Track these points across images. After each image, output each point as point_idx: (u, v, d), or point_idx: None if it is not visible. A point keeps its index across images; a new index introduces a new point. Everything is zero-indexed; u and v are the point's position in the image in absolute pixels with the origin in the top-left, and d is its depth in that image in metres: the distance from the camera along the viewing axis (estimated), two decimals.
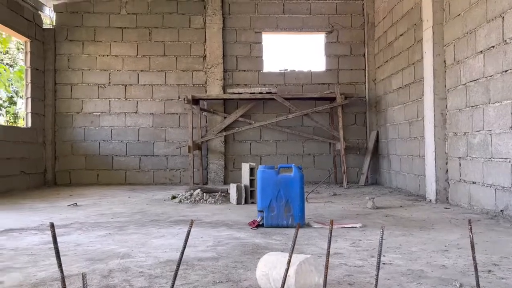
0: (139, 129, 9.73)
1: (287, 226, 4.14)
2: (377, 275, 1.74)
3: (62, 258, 3.08)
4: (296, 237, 1.83)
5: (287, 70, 9.95)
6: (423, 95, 6.59)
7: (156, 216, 5.05)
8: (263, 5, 9.83)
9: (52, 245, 3.48)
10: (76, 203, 6.17)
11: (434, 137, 6.10)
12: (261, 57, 9.87)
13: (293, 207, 4.14)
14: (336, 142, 9.16)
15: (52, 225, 2.02)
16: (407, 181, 7.67)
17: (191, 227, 2.08)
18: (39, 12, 9.35)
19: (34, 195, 7.47)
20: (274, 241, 3.63)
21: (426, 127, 6.38)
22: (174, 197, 6.66)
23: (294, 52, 10.20)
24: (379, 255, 1.70)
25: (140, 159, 9.69)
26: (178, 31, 9.76)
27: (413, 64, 7.24)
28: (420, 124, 6.91)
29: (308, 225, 4.26)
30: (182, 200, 6.40)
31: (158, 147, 9.72)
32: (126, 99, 9.72)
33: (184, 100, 8.84)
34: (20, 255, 3.17)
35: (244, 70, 9.81)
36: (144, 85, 9.74)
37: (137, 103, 9.74)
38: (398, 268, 2.75)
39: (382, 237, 1.70)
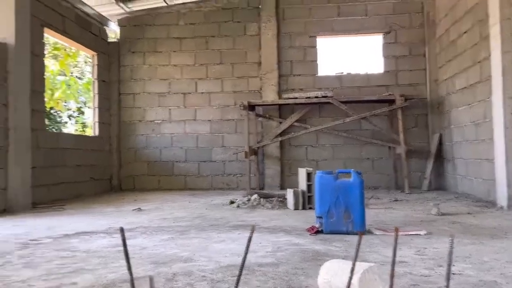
0: (197, 136, 9.99)
1: (347, 233, 4.05)
2: (447, 286, 1.66)
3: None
4: (359, 245, 1.79)
5: (343, 73, 9.79)
6: (491, 95, 6.22)
7: (215, 221, 5.15)
8: (318, 9, 9.77)
9: (120, 248, 3.67)
10: (140, 208, 6.44)
11: (505, 138, 5.73)
12: (316, 61, 9.79)
13: (353, 213, 4.05)
14: (396, 145, 8.86)
15: (122, 230, 2.12)
16: (474, 186, 7.25)
17: (252, 233, 2.09)
18: (105, 27, 9.91)
19: (102, 200, 7.89)
20: (334, 247, 3.57)
21: (495, 128, 6.01)
22: (232, 202, 6.75)
23: (350, 55, 10.02)
24: (449, 264, 1.62)
25: (198, 164, 9.95)
26: (233, 39, 9.94)
27: (479, 62, 6.85)
28: (488, 125, 6.51)
29: (369, 232, 4.15)
30: (240, 205, 6.48)
31: (216, 153, 9.93)
32: (185, 107, 10.03)
33: (240, 106, 8.97)
34: (92, 257, 3.36)
35: (299, 75, 9.78)
36: (202, 93, 10.00)
37: (195, 110, 10.02)
38: (469, 279, 2.61)
39: (451, 246, 1.61)
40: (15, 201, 6.42)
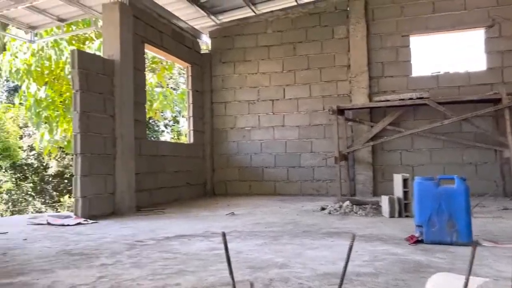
0: (286, 142, 10.05)
1: (451, 243, 3.77)
2: None
3: (225, 265, 3.33)
4: (473, 258, 1.64)
5: (439, 72, 9.20)
6: None
7: (307, 227, 5.11)
8: (410, 6, 9.31)
9: (217, 252, 3.80)
10: (233, 213, 6.63)
11: None
12: (409, 61, 9.32)
13: (458, 222, 3.76)
14: (503, 149, 8.08)
15: (223, 235, 2.19)
16: None
17: (353, 241, 2.03)
18: (197, 40, 10.43)
19: (197, 204, 8.26)
20: (437, 259, 3.34)
21: None
22: (323, 209, 6.66)
23: (446, 53, 9.38)
24: None
25: (287, 170, 9.99)
26: (321, 43, 9.85)
27: None
28: None
29: (477, 243, 3.82)
30: (331, 212, 6.36)
31: (305, 159, 9.89)
32: (273, 113, 10.15)
33: (329, 111, 8.84)
34: (192, 260, 3.52)
35: (391, 76, 9.38)
36: (290, 99, 10.04)
37: (283, 116, 10.09)
38: None
39: None
40: (122, 204, 6.99)
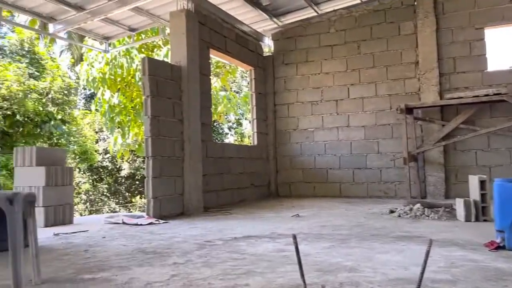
0: (351, 142, 9.83)
1: None
2: None
3: (293, 266, 3.32)
4: None
5: None
6: None
7: (376, 231, 4.96)
8: None
9: (285, 253, 3.80)
10: (298, 214, 6.60)
11: None
12: (484, 55, 8.74)
13: None
14: None
15: (294, 237, 2.20)
16: None
17: (430, 246, 1.95)
18: (260, 42, 10.53)
19: (262, 205, 8.33)
20: None
21: None
22: (392, 211, 6.43)
23: None
24: None
25: (353, 172, 9.77)
26: (387, 41, 9.54)
27: None
28: None
29: None
30: (401, 215, 6.13)
31: (371, 160, 9.61)
32: (337, 114, 9.99)
33: (397, 110, 8.53)
34: (259, 261, 3.55)
35: (464, 72, 8.86)
36: (354, 98, 9.83)
37: (348, 116, 9.89)
38: None
39: None
40: (190, 205, 7.22)
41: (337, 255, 3.69)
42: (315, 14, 10.07)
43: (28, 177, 6.19)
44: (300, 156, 10.31)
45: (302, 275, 1.81)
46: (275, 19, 10.12)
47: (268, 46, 10.98)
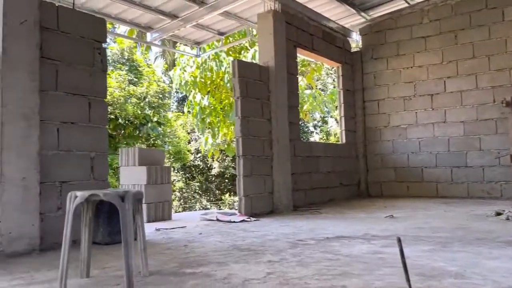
0: (448, 139, 9.21)
1: None
2: None
3: (391, 269, 3.20)
4: None
5: None
6: None
7: (481, 234, 4.59)
8: None
9: (381, 256, 3.68)
10: (392, 215, 6.34)
11: None
12: None
13: None
14: None
15: (399, 240, 2.12)
16: None
17: None
18: (347, 38, 10.30)
19: (352, 205, 8.14)
20: None
21: None
22: (498, 214, 5.91)
23: None
24: None
25: (451, 170, 9.13)
26: (489, 28, 8.77)
27: None
28: None
29: None
30: (509, 218, 5.60)
31: (471, 157, 8.91)
32: (432, 109, 9.41)
33: (502, 103, 7.77)
34: (354, 262, 3.47)
35: None
36: (452, 92, 9.18)
37: (444, 112, 9.27)
38: None
39: None
40: (280, 204, 7.30)
41: (439, 259, 3.48)
42: (406, 5, 9.60)
43: (132, 175, 6.72)
44: (392, 154, 9.89)
45: (408, 280, 1.74)
46: (363, 13, 9.82)
47: (355, 41, 10.69)
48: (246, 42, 13.61)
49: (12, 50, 4.19)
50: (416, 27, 9.65)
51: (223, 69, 13.42)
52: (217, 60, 13.44)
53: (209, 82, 14.06)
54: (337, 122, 19.96)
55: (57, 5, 4.81)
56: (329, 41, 9.50)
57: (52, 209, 4.48)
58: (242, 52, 14.19)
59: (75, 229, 2.97)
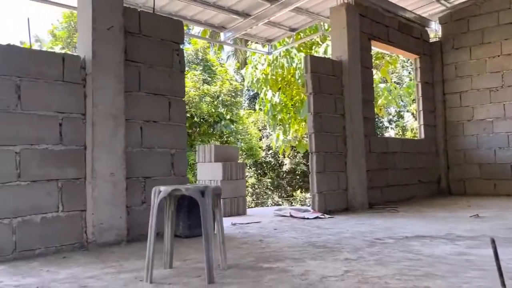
0: None
1: None
2: None
3: (479, 272, 3.00)
4: None
5: None
6: None
7: None
8: None
9: (467, 257, 3.47)
10: (477, 215, 5.94)
11: None
12: None
13: None
14: None
15: (493, 241, 1.99)
16: None
17: None
18: (425, 28, 9.78)
19: (432, 203, 7.74)
20: None
21: None
22: None
23: None
24: None
25: None
26: None
27: None
28: None
29: None
30: None
31: None
32: None
33: None
34: (437, 263, 3.30)
35: None
36: None
37: None
38: None
39: None
40: (354, 201, 7.14)
41: None
42: None
43: (208, 171, 6.96)
44: (476, 149, 9.24)
45: (503, 285, 1.62)
46: (442, 1, 9.27)
47: (434, 31, 10.13)
48: (317, 37, 13.45)
49: (101, 54, 4.52)
50: (503, 13, 8.92)
51: (294, 65, 13.38)
52: (288, 57, 13.43)
53: (280, 79, 14.10)
54: (414, 117, 19.08)
55: (138, 10, 5.10)
56: (406, 32, 9.09)
57: (137, 203, 4.77)
58: (314, 47, 14.03)
59: (158, 222, 3.14)
